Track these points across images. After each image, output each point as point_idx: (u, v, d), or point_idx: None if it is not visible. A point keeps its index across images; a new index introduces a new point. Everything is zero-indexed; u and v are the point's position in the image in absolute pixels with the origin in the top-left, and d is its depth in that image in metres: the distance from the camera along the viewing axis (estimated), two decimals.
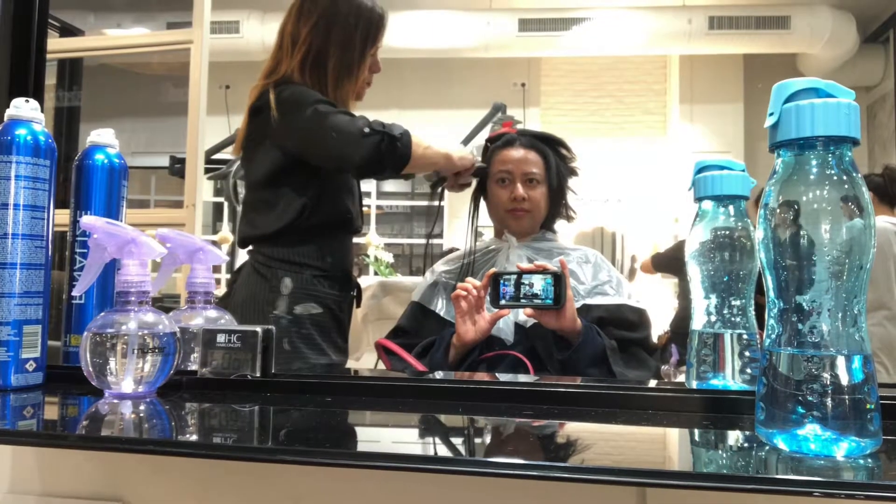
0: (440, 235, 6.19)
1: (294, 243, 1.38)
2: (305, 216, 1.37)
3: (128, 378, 0.68)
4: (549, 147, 1.42)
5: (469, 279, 1.23)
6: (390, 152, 1.31)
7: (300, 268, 1.38)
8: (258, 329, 0.75)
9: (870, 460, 0.49)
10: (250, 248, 1.46)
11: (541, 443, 0.61)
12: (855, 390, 0.49)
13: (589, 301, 1.30)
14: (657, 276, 5.08)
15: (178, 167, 2.62)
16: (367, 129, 1.30)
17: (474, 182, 1.48)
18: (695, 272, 0.74)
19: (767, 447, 0.52)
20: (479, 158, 1.47)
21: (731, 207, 0.73)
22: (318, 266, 1.39)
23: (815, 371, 0.49)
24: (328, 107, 1.34)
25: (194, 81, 2.25)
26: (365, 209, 6.25)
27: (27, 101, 0.76)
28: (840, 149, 0.51)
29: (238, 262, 1.58)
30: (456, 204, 6.04)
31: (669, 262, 3.87)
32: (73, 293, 0.80)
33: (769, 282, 0.52)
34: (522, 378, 1.01)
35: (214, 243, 1.23)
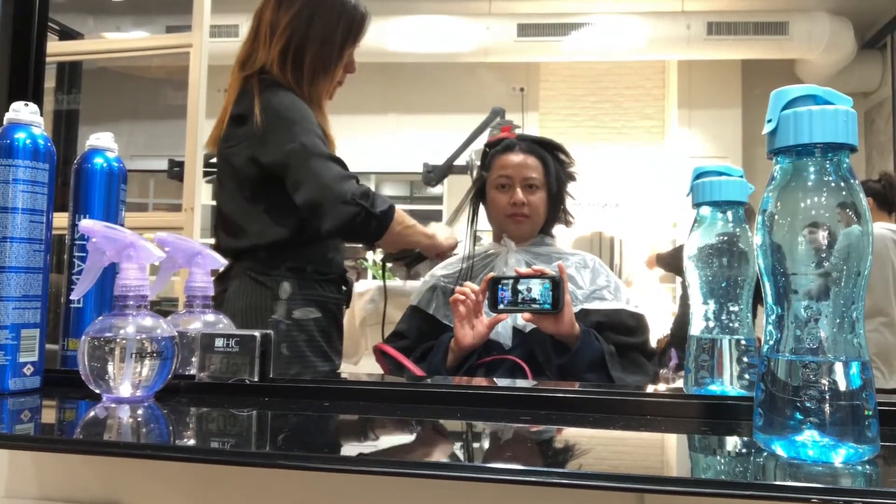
0: None
1: (290, 251, 1.34)
2: (299, 232, 1.32)
3: (126, 382, 0.67)
4: (549, 152, 1.42)
5: (467, 283, 1.23)
6: (363, 227, 1.26)
7: (302, 273, 1.35)
8: (256, 333, 0.75)
9: (868, 466, 0.49)
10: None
11: (539, 448, 0.61)
12: (853, 396, 0.49)
13: (587, 306, 1.30)
14: (655, 279, 5.09)
15: (176, 170, 2.63)
16: (348, 196, 1.24)
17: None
18: (693, 278, 0.74)
19: (765, 453, 0.52)
20: (479, 163, 1.47)
21: (729, 213, 0.74)
22: (318, 270, 1.37)
23: (813, 377, 0.49)
24: (317, 143, 1.27)
25: (193, 85, 2.25)
26: None
27: (26, 104, 0.76)
28: (838, 155, 0.51)
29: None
30: (455, 208, 6.04)
31: (673, 261, 3.91)
32: (72, 297, 0.79)
33: (767, 288, 0.53)
34: (521, 383, 1.01)
35: (212, 247, 1.17)
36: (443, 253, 1.39)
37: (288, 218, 1.32)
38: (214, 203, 1.50)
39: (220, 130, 1.37)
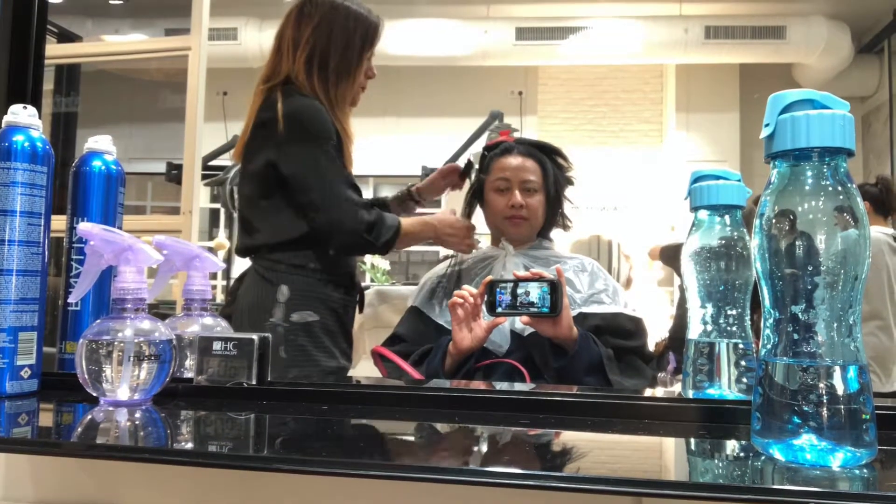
0: None
1: (299, 250, 1.39)
2: (309, 232, 1.38)
3: (123, 385, 0.67)
4: (547, 156, 1.43)
5: (466, 287, 1.23)
6: (363, 252, 1.45)
7: (309, 273, 1.38)
8: (254, 337, 0.75)
9: (865, 470, 0.49)
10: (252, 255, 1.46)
11: (537, 451, 0.61)
12: (850, 400, 0.49)
13: (585, 309, 1.30)
14: (654, 283, 5.09)
15: (174, 173, 2.63)
16: (354, 227, 1.35)
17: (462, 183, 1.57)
18: (691, 281, 0.74)
19: (763, 457, 0.52)
20: (477, 165, 1.49)
21: (727, 217, 0.74)
22: (326, 270, 1.40)
23: (810, 381, 0.49)
24: (335, 162, 1.36)
25: (192, 88, 2.25)
26: None
27: (25, 107, 0.76)
28: (835, 160, 0.51)
29: (235, 269, 1.56)
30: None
31: (675, 257, 3.90)
32: (69, 300, 0.79)
33: (765, 292, 0.53)
34: (519, 386, 1.01)
35: (211, 250, 1.22)
36: (461, 235, 1.47)
37: (298, 218, 1.38)
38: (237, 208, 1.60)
39: (244, 139, 1.45)
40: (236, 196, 1.62)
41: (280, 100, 1.38)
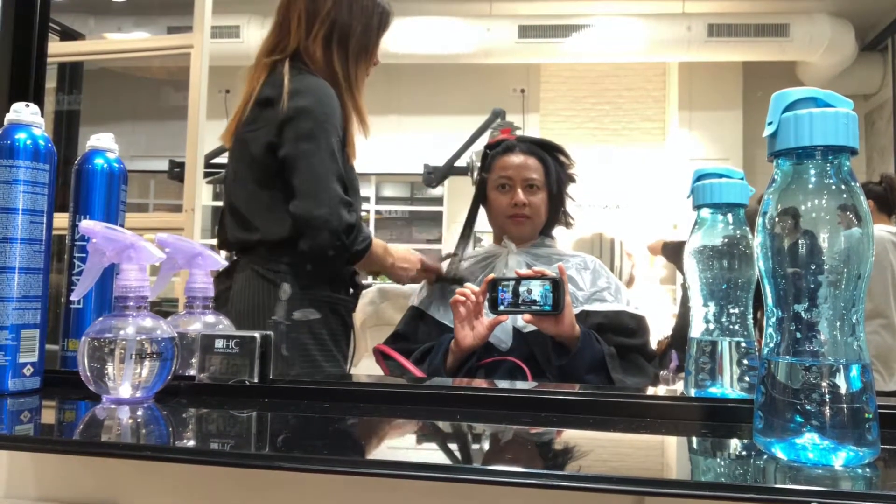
0: (439, 241, 6.20)
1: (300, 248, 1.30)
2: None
3: (125, 383, 0.67)
4: (548, 153, 1.42)
5: (468, 285, 1.23)
6: (333, 258, 1.29)
7: (312, 273, 1.31)
8: (256, 335, 0.75)
9: (868, 469, 0.49)
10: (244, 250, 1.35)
11: (539, 450, 0.61)
12: (853, 399, 0.49)
13: (588, 307, 1.30)
14: (656, 281, 5.08)
15: (177, 171, 2.63)
16: (334, 225, 1.24)
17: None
18: (693, 280, 0.74)
19: (766, 456, 0.52)
20: (479, 164, 1.48)
21: (729, 215, 0.73)
22: (329, 270, 1.34)
23: (813, 380, 0.49)
24: (332, 151, 1.28)
25: (194, 85, 2.25)
26: (364, 214, 6.26)
27: (27, 105, 0.76)
28: (838, 158, 0.51)
29: None
30: (455, 209, 6.04)
31: (676, 253, 3.87)
32: (72, 297, 0.79)
33: (768, 290, 0.53)
34: (521, 385, 1.02)
35: (213, 247, 1.13)
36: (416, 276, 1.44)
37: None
38: (222, 192, 1.50)
39: (239, 117, 1.36)
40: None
41: (287, 77, 1.30)
